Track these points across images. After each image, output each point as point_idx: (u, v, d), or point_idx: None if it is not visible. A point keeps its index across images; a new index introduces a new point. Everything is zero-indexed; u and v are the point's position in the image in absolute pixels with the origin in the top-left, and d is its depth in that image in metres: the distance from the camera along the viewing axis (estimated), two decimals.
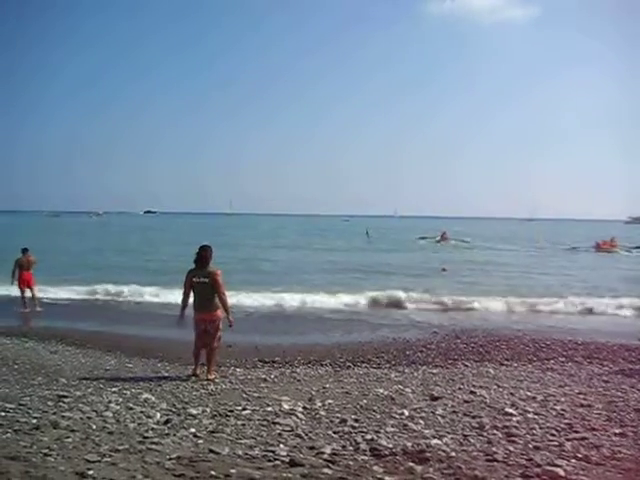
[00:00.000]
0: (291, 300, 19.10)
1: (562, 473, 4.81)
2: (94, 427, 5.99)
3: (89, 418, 6.33)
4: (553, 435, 5.99)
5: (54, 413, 6.46)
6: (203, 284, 8.79)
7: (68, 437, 5.56)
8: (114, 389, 7.98)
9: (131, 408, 6.86)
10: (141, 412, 6.69)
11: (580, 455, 5.34)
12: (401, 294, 19.73)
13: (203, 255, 8.92)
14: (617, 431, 6.14)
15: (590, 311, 18.34)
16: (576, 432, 6.09)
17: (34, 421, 6.06)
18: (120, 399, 7.34)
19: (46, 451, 5.06)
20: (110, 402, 7.12)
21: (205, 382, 8.70)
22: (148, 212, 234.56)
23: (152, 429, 6.02)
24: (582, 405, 7.29)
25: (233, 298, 18.03)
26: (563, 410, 6.99)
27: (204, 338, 9.01)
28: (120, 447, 5.34)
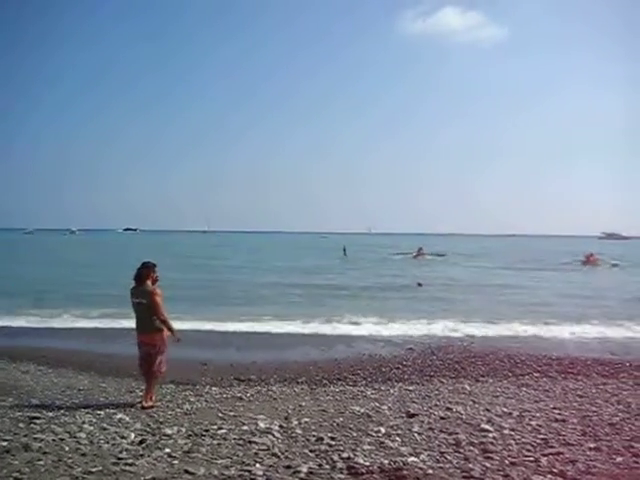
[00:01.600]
0: (263, 325, 18.64)
1: None
2: (67, 449, 5.91)
3: (62, 440, 6.25)
4: (529, 451, 6.03)
5: (25, 435, 6.37)
6: (140, 304, 8.23)
7: (40, 460, 5.49)
8: (87, 409, 7.87)
9: (105, 429, 6.78)
10: (115, 433, 6.61)
11: (556, 470, 5.38)
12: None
13: (141, 273, 8.34)
14: (592, 445, 6.20)
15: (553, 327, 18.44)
16: (551, 447, 6.14)
17: (4, 444, 5.97)
18: (94, 420, 7.25)
19: (17, 475, 4.99)
20: (83, 423, 7.03)
21: (180, 402, 8.62)
22: (127, 229, 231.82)
23: (126, 450, 5.96)
24: (557, 420, 7.35)
25: (207, 324, 18.06)
26: (538, 425, 7.04)
27: (145, 362, 8.43)
28: (94, 469, 5.28)
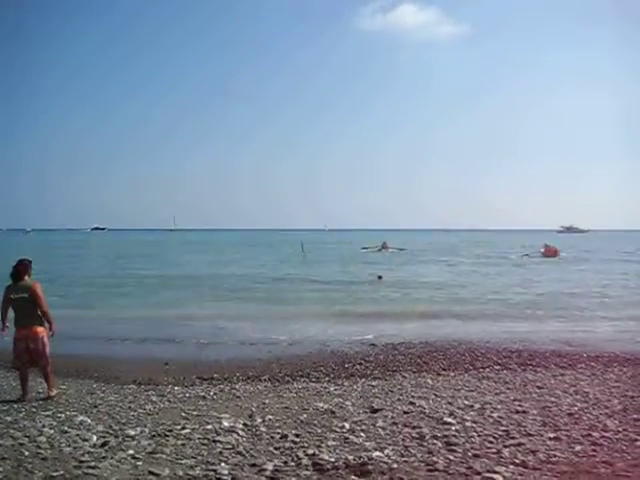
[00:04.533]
0: (225, 323, 18.46)
1: (501, 479, 4.92)
2: (27, 454, 5.80)
3: (21, 444, 6.12)
4: (491, 442, 6.12)
5: None
6: (22, 299, 8.39)
7: None
8: (47, 412, 7.71)
9: (66, 432, 6.66)
10: (76, 435, 6.50)
11: (517, 461, 5.48)
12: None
13: (18, 270, 8.53)
14: (552, 435, 6.32)
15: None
16: (513, 438, 6.24)
17: None
18: (54, 423, 7.11)
19: None
20: (44, 426, 6.89)
21: (142, 402, 8.52)
22: (96, 229, 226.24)
23: (88, 453, 5.87)
24: (518, 411, 7.47)
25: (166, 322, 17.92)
26: (500, 417, 7.15)
27: (29, 356, 8.50)
28: (55, 473, 5.20)
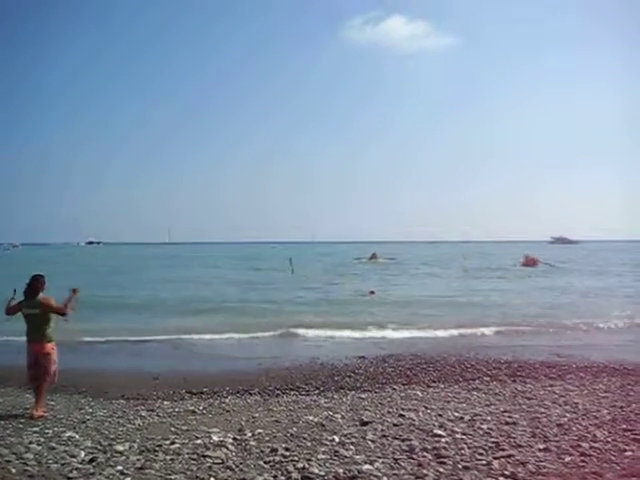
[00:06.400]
0: (215, 337, 18.46)
1: None
2: (14, 471, 5.76)
3: (8, 462, 6.08)
4: (481, 454, 6.14)
5: None
6: (33, 315, 8.44)
7: None
8: (35, 429, 7.65)
9: (53, 448, 6.62)
10: (64, 451, 6.47)
11: (507, 472, 5.50)
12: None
13: (33, 285, 8.56)
14: (541, 446, 6.35)
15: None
16: (503, 450, 6.26)
17: None
18: (41, 439, 7.06)
19: None
20: (31, 443, 6.84)
21: (131, 417, 8.46)
22: (90, 243, 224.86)
23: (76, 469, 5.84)
24: (507, 423, 7.49)
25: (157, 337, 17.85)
26: (490, 429, 7.17)
27: (36, 371, 8.52)
28: None
